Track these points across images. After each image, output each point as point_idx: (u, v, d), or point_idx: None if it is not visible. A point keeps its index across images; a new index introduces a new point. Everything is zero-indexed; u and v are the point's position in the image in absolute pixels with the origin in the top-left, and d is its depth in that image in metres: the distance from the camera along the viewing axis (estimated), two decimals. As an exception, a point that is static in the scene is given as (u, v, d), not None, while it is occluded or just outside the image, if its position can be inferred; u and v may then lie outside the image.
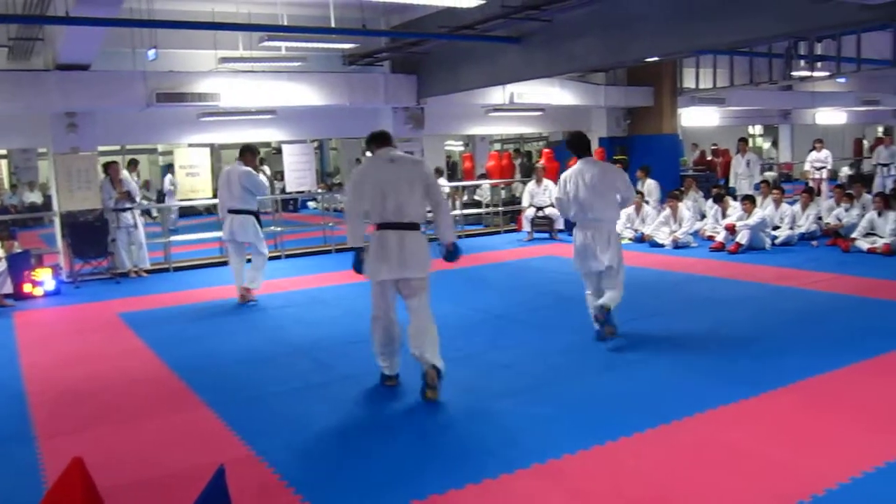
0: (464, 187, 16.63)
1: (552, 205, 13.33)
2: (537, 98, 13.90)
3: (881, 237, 10.33)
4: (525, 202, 13.62)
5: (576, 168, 6.50)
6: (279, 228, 12.81)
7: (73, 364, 6.45)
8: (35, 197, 20.57)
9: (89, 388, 5.73)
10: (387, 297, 5.25)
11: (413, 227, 5.13)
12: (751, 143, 18.81)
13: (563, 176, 6.63)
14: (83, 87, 10.32)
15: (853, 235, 10.67)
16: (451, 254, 5.30)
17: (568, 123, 16.32)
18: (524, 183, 14.63)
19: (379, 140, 5.36)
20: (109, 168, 11.05)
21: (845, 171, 22.86)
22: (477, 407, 4.94)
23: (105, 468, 4.04)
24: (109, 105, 10.73)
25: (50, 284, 9.70)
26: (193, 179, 11.90)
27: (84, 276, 10.58)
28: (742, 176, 14.95)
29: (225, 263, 11.67)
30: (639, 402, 4.90)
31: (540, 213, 13.40)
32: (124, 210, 10.84)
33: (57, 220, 10.78)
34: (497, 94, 13.56)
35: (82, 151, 10.65)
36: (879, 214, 10.49)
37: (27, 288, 9.47)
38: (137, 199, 11.32)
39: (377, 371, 5.60)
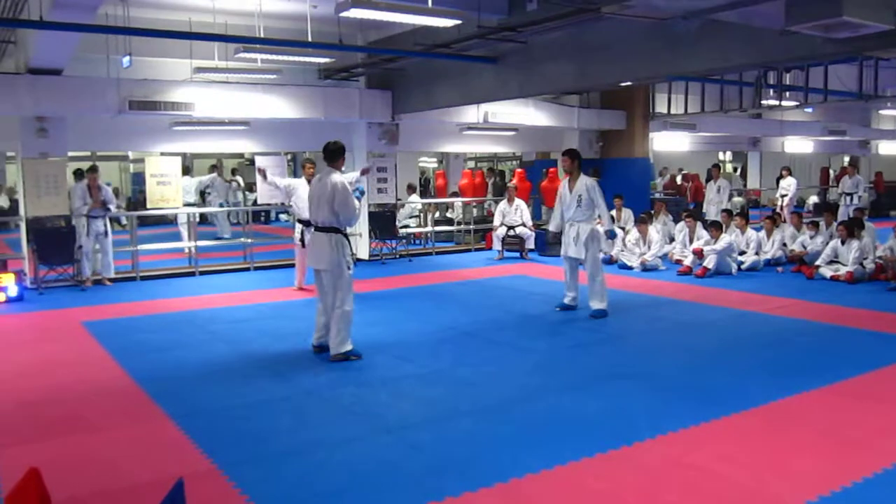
0: (436, 204, 16.68)
1: (523, 224, 13.45)
2: (511, 118, 14.01)
3: (844, 265, 10.52)
4: (496, 221, 13.68)
5: None
6: (249, 240, 12.75)
7: (35, 373, 6.35)
8: (1, 201, 20.27)
9: (50, 398, 5.65)
10: (318, 282, 6.68)
11: (324, 230, 6.50)
12: (722, 170, 19.11)
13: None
14: (55, 91, 10.23)
15: (817, 263, 10.85)
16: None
17: (541, 144, 16.48)
18: (496, 202, 14.71)
19: (326, 157, 6.66)
20: (88, 174, 10.85)
21: (812, 199, 23.26)
22: (442, 425, 4.94)
23: (63, 479, 3.99)
24: (81, 111, 10.63)
25: (13, 290, 9.55)
26: (164, 188, 11.78)
27: (48, 282, 10.44)
28: (712, 202, 15.18)
29: (191, 274, 11.66)
30: (603, 423, 4.93)
31: (511, 233, 13.47)
32: (97, 217, 10.69)
33: (23, 226, 10.62)
34: (471, 113, 13.65)
35: (52, 157, 10.53)
36: (843, 243, 10.69)
37: (-11, 294, 9.33)
38: (113, 208, 11.17)
39: (340, 386, 5.76)
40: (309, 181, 9.33)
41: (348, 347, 6.53)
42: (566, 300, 8.66)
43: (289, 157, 19.64)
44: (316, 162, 9.88)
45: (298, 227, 9.82)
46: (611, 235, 8.72)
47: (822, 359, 6.54)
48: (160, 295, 10.04)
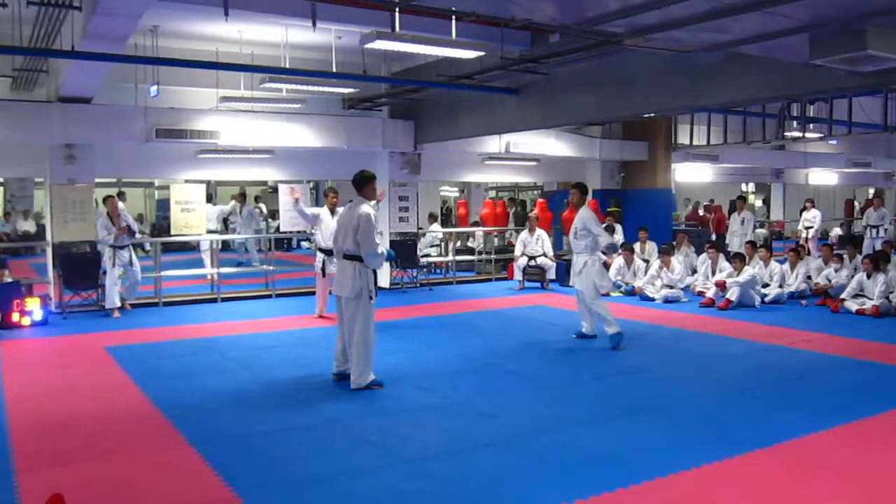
0: (457, 233, 16.71)
1: (544, 254, 13.43)
2: (533, 148, 14.05)
3: (870, 299, 10.39)
4: (517, 251, 13.67)
5: None
6: (272, 267, 12.82)
7: (57, 397, 6.40)
8: (28, 226, 20.58)
9: (72, 422, 5.68)
10: (339, 310, 6.74)
11: (349, 258, 6.56)
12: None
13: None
14: (84, 119, 10.40)
15: (842, 296, 10.73)
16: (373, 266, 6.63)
17: (563, 174, 16.49)
18: (517, 231, 14.71)
19: (354, 186, 6.75)
20: (106, 202, 10.78)
21: (836, 231, 23.05)
22: (461, 456, 4.92)
23: (83, 505, 4.00)
24: (109, 138, 10.80)
25: (38, 314, 9.65)
26: (188, 215, 11.92)
27: (73, 307, 10.54)
28: (736, 233, 15.10)
29: (213, 301, 11.73)
30: (624, 457, 4.88)
31: (532, 263, 13.45)
32: (123, 247, 10.59)
33: (49, 251, 10.76)
34: (493, 143, 13.71)
35: (79, 183, 10.68)
36: (868, 276, 10.57)
37: (15, 317, 9.42)
38: (137, 234, 11.27)
39: (361, 416, 5.76)
40: (331, 210, 9.48)
41: (370, 378, 6.54)
42: (583, 328, 8.79)
43: (311, 185, 19.80)
44: (339, 191, 10.02)
45: (320, 255, 9.89)
46: (612, 249, 8.74)
47: (846, 394, 6.45)
48: (183, 321, 10.11)
